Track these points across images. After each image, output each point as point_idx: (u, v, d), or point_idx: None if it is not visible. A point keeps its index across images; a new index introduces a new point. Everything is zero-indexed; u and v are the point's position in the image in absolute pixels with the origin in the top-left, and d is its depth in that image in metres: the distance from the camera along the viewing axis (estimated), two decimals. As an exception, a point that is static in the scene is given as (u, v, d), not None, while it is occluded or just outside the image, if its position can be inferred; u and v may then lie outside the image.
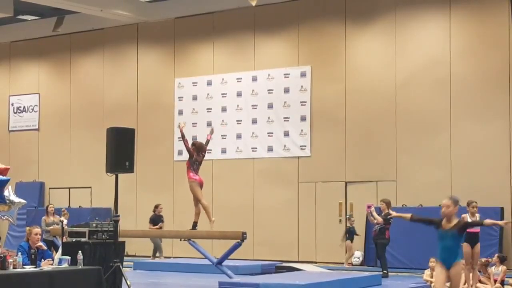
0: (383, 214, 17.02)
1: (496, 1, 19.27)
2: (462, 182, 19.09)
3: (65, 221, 17.51)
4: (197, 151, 15.78)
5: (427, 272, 15.43)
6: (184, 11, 23.66)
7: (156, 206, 21.28)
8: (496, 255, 15.59)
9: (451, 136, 19.56)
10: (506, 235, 18.71)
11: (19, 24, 26.28)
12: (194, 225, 15.99)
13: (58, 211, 19.49)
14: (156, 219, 21.03)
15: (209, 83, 23.30)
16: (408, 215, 10.42)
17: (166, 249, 22.03)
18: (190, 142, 15.90)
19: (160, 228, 20.76)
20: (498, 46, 19.14)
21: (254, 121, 22.41)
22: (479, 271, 14.93)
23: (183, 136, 15.71)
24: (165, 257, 21.18)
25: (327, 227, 21.00)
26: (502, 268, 15.04)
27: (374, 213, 17.10)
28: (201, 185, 15.77)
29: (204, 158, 23.02)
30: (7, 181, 12.20)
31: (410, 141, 20.06)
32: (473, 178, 19.02)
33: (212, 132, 16.76)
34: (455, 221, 9.57)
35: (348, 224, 20.17)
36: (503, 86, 18.99)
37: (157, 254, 21.14)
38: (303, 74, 21.76)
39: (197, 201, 15.84)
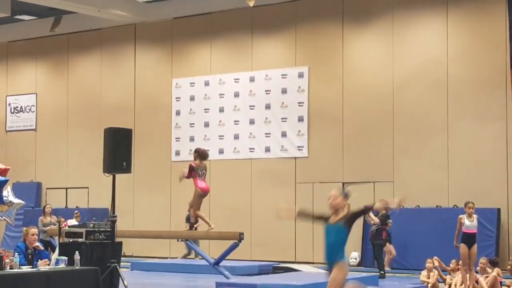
0: (379, 215, 17.04)
1: (493, 2, 19.28)
2: (459, 183, 19.11)
3: (76, 224, 17.47)
4: (201, 158, 15.56)
5: (424, 273, 15.44)
6: (182, 11, 23.65)
7: None
8: (487, 259, 15.51)
9: (448, 137, 19.57)
10: (502, 236, 18.72)
11: (16, 24, 26.26)
12: (191, 226, 15.91)
13: (66, 212, 19.43)
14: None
15: (206, 84, 23.30)
16: (293, 212, 9.20)
17: (163, 250, 22.04)
18: (187, 168, 15.52)
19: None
20: (495, 47, 19.15)
21: (252, 122, 22.41)
22: (476, 272, 14.93)
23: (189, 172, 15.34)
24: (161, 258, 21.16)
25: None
26: (495, 270, 15.01)
27: (371, 214, 17.12)
28: (205, 194, 15.55)
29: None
30: (6, 181, 12.20)
31: (408, 142, 20.07)
32: (470, 179, 19.03)
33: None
34: (342, 214, 8.43)
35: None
36: (500, 87, 19.00)
37: (191, 255, 20.81)
38: (300, 75, 21.76)
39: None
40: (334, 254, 8.29)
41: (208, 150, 22.36)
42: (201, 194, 15.39)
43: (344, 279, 8.25)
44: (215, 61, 23.28)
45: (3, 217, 12.62)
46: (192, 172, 15.27)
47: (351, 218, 8.37)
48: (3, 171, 12.66)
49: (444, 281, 15.33)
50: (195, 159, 15.45)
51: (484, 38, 19.36)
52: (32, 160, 26.58)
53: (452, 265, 15.45)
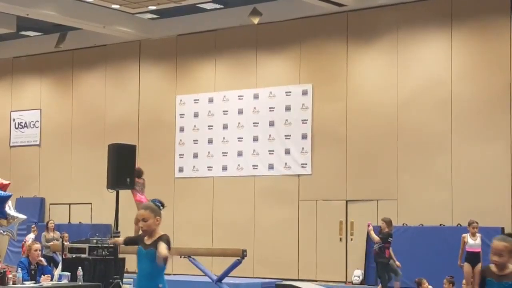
0: (381, 233, 16.97)
1: (498, 21, 19.31)
2: (463, 202, 19.07)
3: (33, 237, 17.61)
4: (138, 175, 15.99)
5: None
6: (186, 28, 23.72)
7: None
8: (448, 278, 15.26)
9: (452, 156, 19.55)
10: (506, 255, 18.63)
11: (21, 40, 26.35)
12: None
13: (69, 228, 19.56)
14: None
15: (210, 101, 23.32)
16: (121, 240, 8.12)
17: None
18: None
19: None
20: (499, 67, 19.16)
21: (255, 139, 22.41)
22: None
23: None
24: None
25: (327, 245, 20.95)
26: None
27: (371, 232, 17.12)
28: None
29: (205, 175, 23.10)
30: (9, 197, 12.22)
31: (411, 160, 20.05)
32: (474, 198, 18.99)
33: None
34: (156, 236, 7.17)
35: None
36: (504, 107, 18.99)
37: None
38: (304, 92, 21.78)
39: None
40: (148, 285, 7.11)
41: (211, 168, 22.54)
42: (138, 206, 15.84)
43: None
44: (219, 78, 23.32)
45: (6, 232, 12.61)
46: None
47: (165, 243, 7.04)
48: (4, 186, 12.68)
49: None
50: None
51: (488, 58, 19.37)
52: (35, 175, 26.59)
53: (445, 285, 15.31)
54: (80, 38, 25.08)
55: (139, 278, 7.19)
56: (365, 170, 20.62)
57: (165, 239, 7.14)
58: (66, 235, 19.47)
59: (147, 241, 7.16)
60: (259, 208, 22.19)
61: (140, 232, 7.29)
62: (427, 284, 15.53)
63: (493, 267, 6.22)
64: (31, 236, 20.69)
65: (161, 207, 7.64)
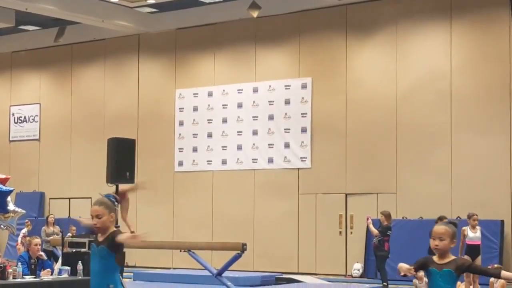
0: (380, 227, 17.00)
1: (497, 14, 19.31)
2: (463, 195, 19.09)
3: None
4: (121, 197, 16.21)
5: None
6: (185, 22, 23.69)
7: None
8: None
9: (452, 149, 19.56)
10: (506, 248, 18.69)
11: (20, 34, 26.31)
12: None
13: (69, 223, 19.69)
14: None
15: (210, 94, 23.31)
16: (87, 222, 7.35)
17: (166, 260, 22.00)
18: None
19: None
20: (499, 59, 19.16)
21: (255, 133, 22.41)
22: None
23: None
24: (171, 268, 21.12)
25: (327, 239, 20.97)
26: (500, 282, 15.00)
27: (371, 226, 17.15)
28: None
29: (205, 169, 23.18)
30: (10, 191, 12.23)
31: (411, 153, 20.06)
32: (474, 191, 19.01)
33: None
34: (108, 233, 6.80)
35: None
36: (504, 100, 19.00)
37: None
38: (304, 86, 21.78)
39: None
40: (99, 284, 6.79)
41: (211, 161, 22.60)
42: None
43: None
44: (218, 72, 23.30)
45: (5, 226, 12.62)
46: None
47: (117, 243, 6.71)
48: (4, 181, 12.69)
49: None
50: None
51: (488, 50, 19.37)
52: (35, 170, 26.59)
53: None
54: (79, 32, 25.05)
55: (91, 276, 6.90)
56: (364, 164, 20.63)
57: (119, 233, 6.77)
58: (74, 228, 19.59)
59: (100, 237, 6.79)
60: (258, 201, 22.20)
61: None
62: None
63: (435, 258, 6.26)
64: (24, 231, 20.73)
65: (116, 203, 7.16)
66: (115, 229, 6.81)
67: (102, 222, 6.76)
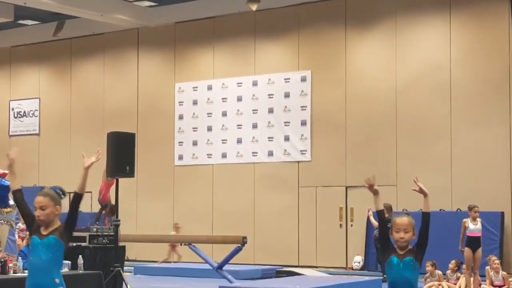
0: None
1: (496, 6, 19.29)
2: (463, 187, 19.10)
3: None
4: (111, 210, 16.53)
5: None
6: (185, 16, 23.66)
7: None
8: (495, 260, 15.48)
9: (452, 141, 19.56)
10: (506, 239, 18.70)
11: (19, 29, 26.29)
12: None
13: None
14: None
15: (209, 88, 23.30)
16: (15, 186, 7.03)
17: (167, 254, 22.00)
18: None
19: None
20: (498, 52, 19.15)
21: (255, 126, 22.40)
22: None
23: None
24: (166, 261, 21.13)
25: (327, 232, 20.99)
26: (502, 274, 15.01)
27: (371, 218, 17.16)
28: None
29: (205, 163, 23.17)
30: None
31: (411, 146, 20.06)
32: (474, 183, 19.01)
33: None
34: (56, 225, 6.45)
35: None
36: (503, 92, 19.00)
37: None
38: (303, 79, 21.76)
39: None
40: (43, 279, 6.20)
41: (211, 155, 22.61)
42: None
43: None
44: (218, 65, 23.29)
45: (5, 220, 12.64)
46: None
47: (67, 229, 6.46)
48: (3, 175, 12.69)
49: None
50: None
51: (487, 43, 19.36)
52: (35, 164, 26.58)
53: (452, 265, 15.49)
54: (78, 26, 25.04)
55: (32, 273, 6.20)
56: (364, 156, 20.63)
57: (64, 229, 6.44)
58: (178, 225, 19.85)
59: (43, 231, 6.29)
60: (259, 195, 22.21)
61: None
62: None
63: (397, 248, 6.34)
64: (19, 225, 20.71)
65: (62, 196, 6.86)
66: (60, 223, 6.43)
67: (46, 215, 6.39)
